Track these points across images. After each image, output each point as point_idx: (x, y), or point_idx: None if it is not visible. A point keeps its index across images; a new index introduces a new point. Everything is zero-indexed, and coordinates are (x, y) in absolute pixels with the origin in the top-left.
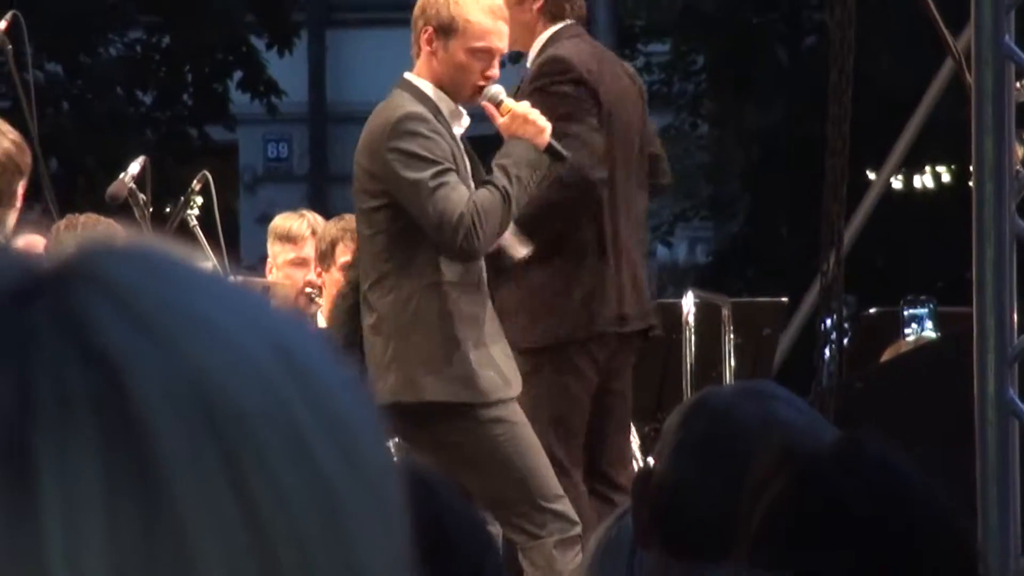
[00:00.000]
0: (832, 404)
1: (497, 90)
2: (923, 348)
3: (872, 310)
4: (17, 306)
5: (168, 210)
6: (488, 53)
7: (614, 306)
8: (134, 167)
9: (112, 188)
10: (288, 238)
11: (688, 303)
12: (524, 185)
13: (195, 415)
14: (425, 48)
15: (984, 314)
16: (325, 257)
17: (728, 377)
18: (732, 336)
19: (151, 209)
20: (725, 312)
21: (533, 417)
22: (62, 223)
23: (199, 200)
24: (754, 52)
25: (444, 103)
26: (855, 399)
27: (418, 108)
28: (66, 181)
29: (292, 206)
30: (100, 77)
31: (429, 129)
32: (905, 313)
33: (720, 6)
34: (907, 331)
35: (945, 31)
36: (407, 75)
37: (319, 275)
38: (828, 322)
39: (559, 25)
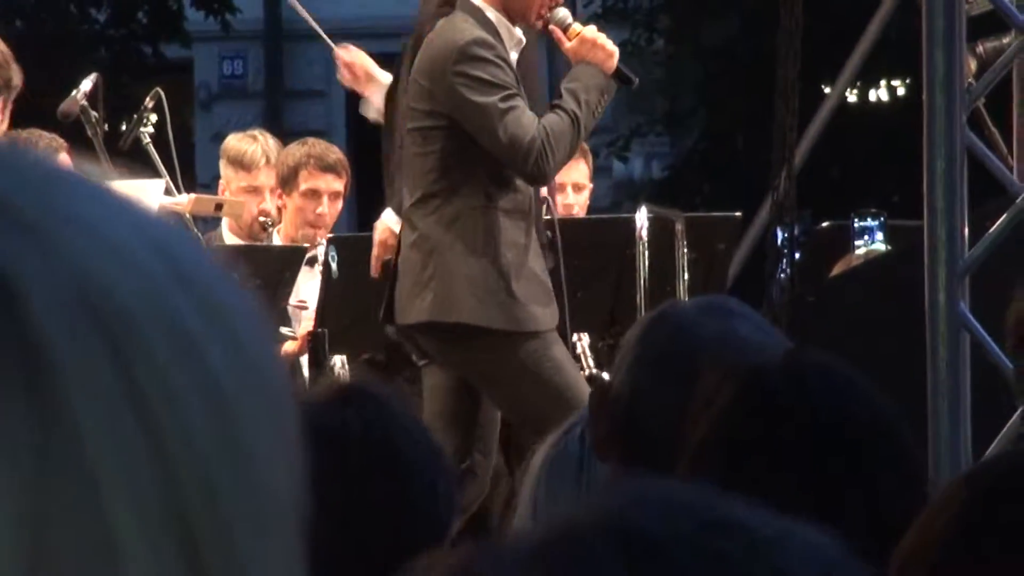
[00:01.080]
0: (784, 318)
1: (564, 14)
2: (874, 261)
3: (824, 224)
4: None
5: (123, 128)
6: None
7: None
8: (86, 84)
9: (63, 105)
10: (241, 164)
11: (641, 218)
12: (592, 109)
13: (81, 313)
14: None
15: (935, 227)
16: (287, 182)
17: (682, 292)
18: (686, 251)
19: (105, 127)
20: (679, 227)
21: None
22: (2, 140)
23: (153, 118)
24: None
25: (504, 28)
26: (807, 313)
27: (483, 33)
28: (19, 100)
29: (247, 124)
30: None
31: (495, 55)
32: (855, 226)
33: None
34: (858, 243)
35: None
36: None
37: (280, 197)
38: (780, 236)
39: None
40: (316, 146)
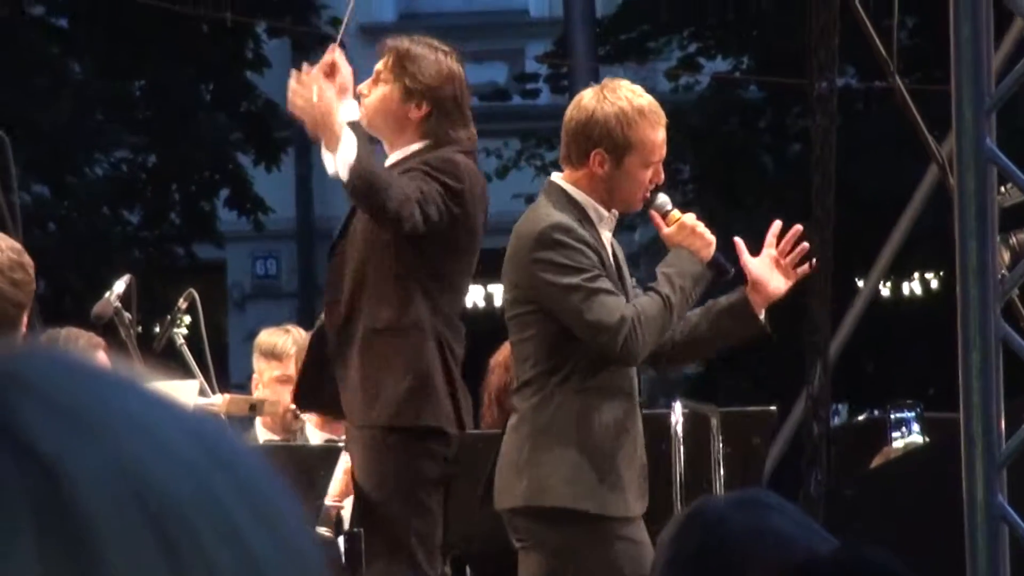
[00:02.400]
0: (821, 512)
1: (664, 200)
2: (912, 454)
3: (861, 416)
4: None
5: (156, 329)
6: (659, 163)
7: None
8: (119, 286)
9: (97, 307)
10: (273, 355)
11: (676, 413)
12: (687, 295)
13: (129, 503)
14: (595, 168)
15: (971, 419)
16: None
17: (718, 487)
18: (721, 446)
19: (139, 328)
20: (714, 422)
21: None
22: (42, 340)
23: (186, 319)
24: (740, 161)
25: (593, 210)
26: (845, 506)
27: (562, 217)
28: (53, 302)
29: (280, 323)
30: (86, 198)
31: (574, 238)
32: (892, 418)
33: (706, 117)
34: (895, 435)
35: (929, 136)
36: (556, 179)
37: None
38: (816, 430)
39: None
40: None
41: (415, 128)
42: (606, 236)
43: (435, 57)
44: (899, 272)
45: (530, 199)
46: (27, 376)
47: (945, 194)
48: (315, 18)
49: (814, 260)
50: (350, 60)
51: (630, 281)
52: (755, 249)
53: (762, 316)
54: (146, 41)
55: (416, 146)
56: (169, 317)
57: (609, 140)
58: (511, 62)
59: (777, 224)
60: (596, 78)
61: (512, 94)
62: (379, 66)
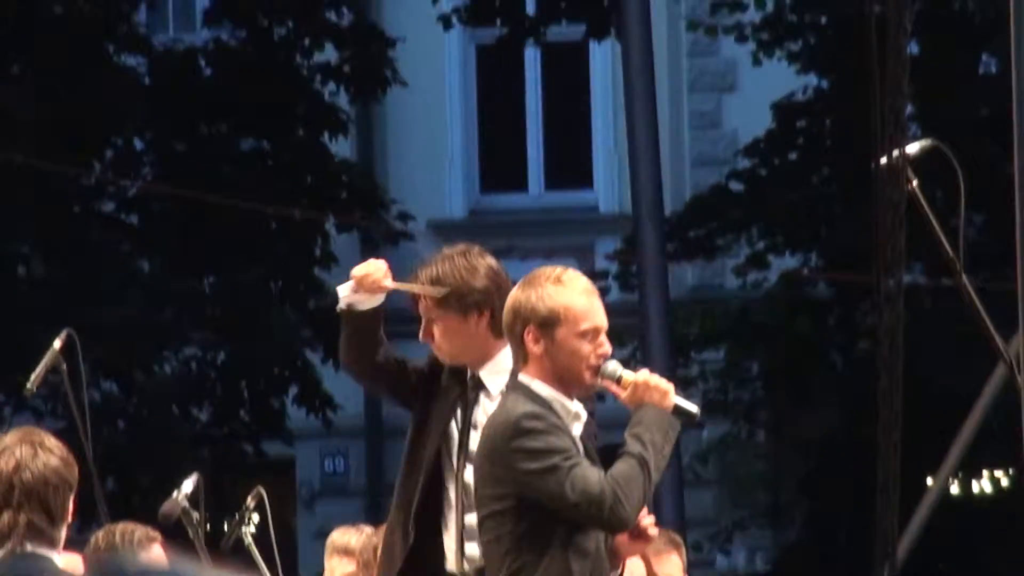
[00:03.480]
0: None
1: (614, 367)
2: None
3: None
4: None
5: (225, 527)
6: (595, 331)
7: None
8: (187, 485)
9: (164, 507)
10: (346, 552)
11: None
12: (659, 449)
13: None
14: (533, 348)
15: None
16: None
17: None
18: None
19: (208, 527)
20: None
21: None
22: (100, 534)
23: (255, 517)
24: (808, 358)
25: (559, 403)
26: None
27: (532, 407)
28: (121, 500)
29: (349, 521)
30: (155, 395)
31: (547, 424)
32: None
33: (773, 314)
34: None
35: (996, 335)
36: (521, 376)
37: None
38: None
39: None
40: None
41: (485, 336)
42: (576, 430)
43: (458, 264)
44: (969, 470)
45: (600, 395)
46: None
47: (1013, 392)
48: (384, 213)
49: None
50: (420, 255)
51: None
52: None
53: (619, 572)
54: (216, 238)
55: (503, 353)
56: (237, 516)
57: (535, 314)
58: (581, 258)
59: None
60: (665, 275)
61: None
62: (421, 310)
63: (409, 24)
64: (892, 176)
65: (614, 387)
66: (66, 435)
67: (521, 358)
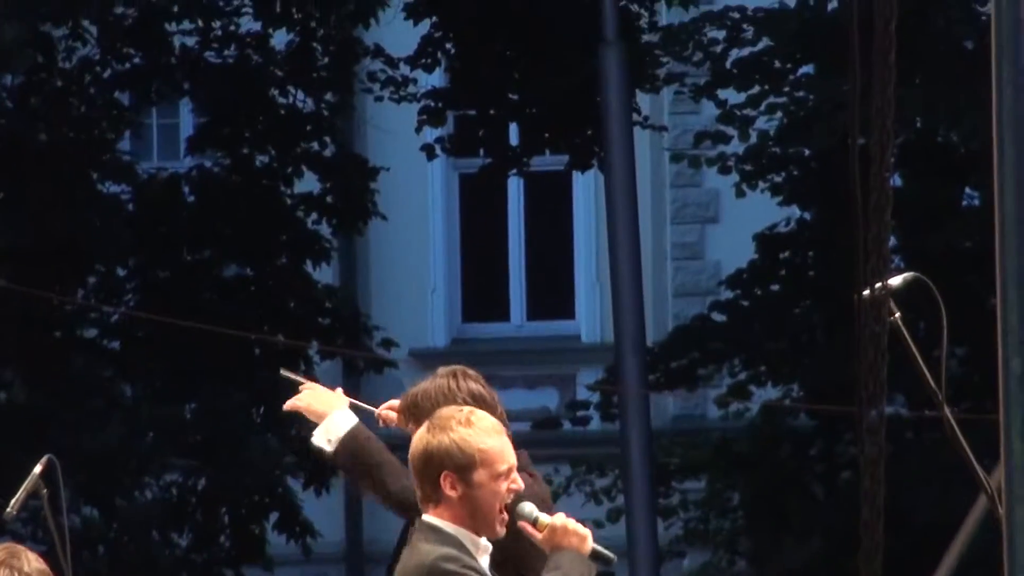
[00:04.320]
0: None
1: (531, 508)
2: None
3: None
4: None
5: None
6: (510, 470)
7: None
8: None
9: None
10: None
11: None
12: None
13: None
14: (449, 493)
15: None
16: None
17: None
18: None
19: None
20: None
21: None
22: None
23: None
24: (790, 488)
25: (467, 539)
26: None
27: (446, 549)
28: None
29: None
30: (135, 520)
31: (461, 566)
32: None
33: (756, 444)
34: None
35: (978, 467)
36: (427, 518)
37: None
38: None
39: None
40: None
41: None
42: (484, 562)
43: (437, 384)
44: None
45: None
46: None
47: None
48: (367, 339)
49: None
50: (402, 385)
51: None
52: None
53: None
54: (198, 364)
55: None
56: None
57: (451, 460)
58: (562, 387)
59: None
60: (646, 405)
61: (563, 420)
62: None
63: (393, 153)
64: (874, 308)
65: (530, 528)
66: (46, 560)
67: (431, 501)
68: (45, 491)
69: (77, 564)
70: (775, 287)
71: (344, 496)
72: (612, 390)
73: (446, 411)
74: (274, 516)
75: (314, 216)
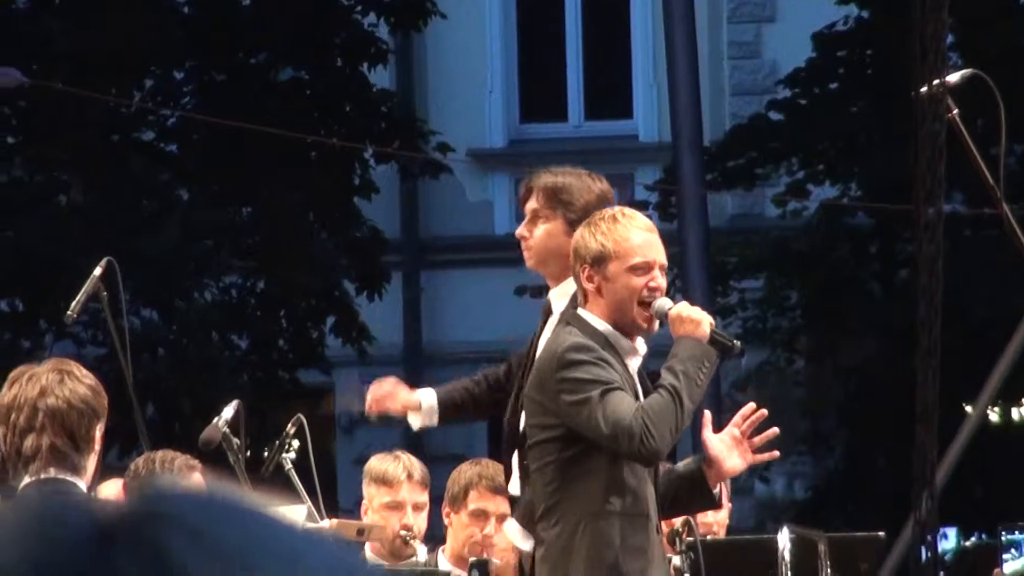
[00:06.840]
0: None
1: (662, 304)
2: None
3: (970, 541)
4: (100, 549)
5: (265, 454)
6: (647, 266)
7: None
8: (228, 412)
9: (205, 433)
10: (384, 481)
11: (783, 539)
12: (692, 379)
13: None
14: (588, 286)
15: None
16: (456, 500)
17: None
18: (829, 571)
19: (248, 453)
20: (821, 547)
21: None
22: (140, 461)
23: (295, 443)
24: (848, 287)
25: (615, 338)
26: None
27: (581, 339)
28: (162, 427)
29: (389, 448)
30: (195, 323)
31: (594, 357)
32: (1003, 539)
33: (813, 243)
34: (1006, 557)
35: None
36: (580, 311)
37: (447, 515)
38: (924, 555)
39: None
40: (488, 467)
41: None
42: (633, 364)
43: (583, 183)
44: (1008, 398)
45: None
46: (179, 515)
47: None
48: (422, 143)
49: (776, 451)
50: (459, 184)
51: None
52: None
53: (716, 491)
54: (254, 167)
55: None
56: (278, 442)
57: (588, 252)
58: (620, 187)
59: (750, 406)
60: (704, 204)
61: None
62: (532, 204)
63: None
64: (932, 106)
65: (662, 323)
66: (107, 363)
67: (581, 296)
68: (105, 294)
69: (137, 366)
70: (833, 86)
71: (403, 298)
72: (670, 189)
73: (603, 209)
74: (331, 320)
75: (371, 18)
